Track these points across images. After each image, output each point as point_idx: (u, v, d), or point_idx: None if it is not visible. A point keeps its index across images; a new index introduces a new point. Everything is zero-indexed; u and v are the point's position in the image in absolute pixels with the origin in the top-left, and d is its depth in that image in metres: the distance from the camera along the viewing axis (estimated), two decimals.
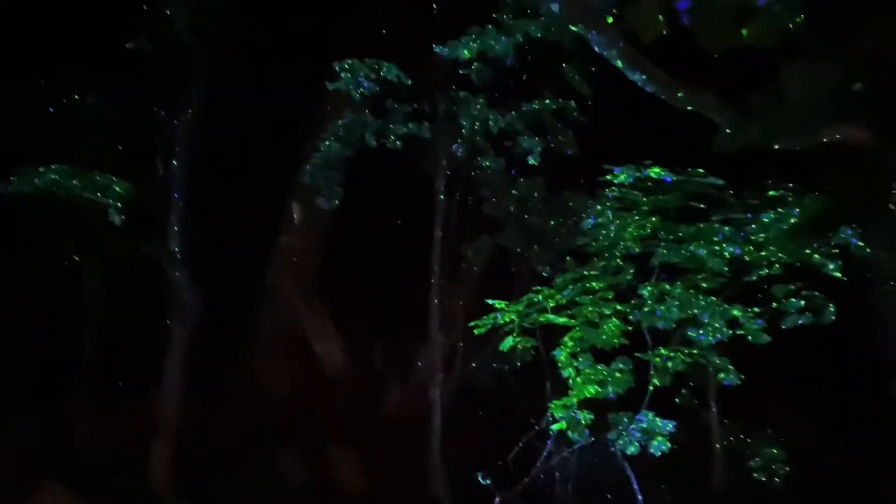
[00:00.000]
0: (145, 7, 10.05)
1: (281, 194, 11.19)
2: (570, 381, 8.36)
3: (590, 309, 8.38)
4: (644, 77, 8.85)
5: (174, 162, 9.94)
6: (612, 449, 8.65)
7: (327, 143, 9.91)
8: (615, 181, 8.39)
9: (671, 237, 8.53)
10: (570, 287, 8.56)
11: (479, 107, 10.13)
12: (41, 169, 8.10)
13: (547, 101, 10.29)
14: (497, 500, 9.12)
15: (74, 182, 8.13)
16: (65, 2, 9.45)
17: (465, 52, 9.33)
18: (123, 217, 8.51)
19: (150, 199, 9.55)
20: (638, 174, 8.23)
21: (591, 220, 8.77)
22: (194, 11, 9.97)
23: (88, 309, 10.59)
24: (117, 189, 8.28)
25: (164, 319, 10.35)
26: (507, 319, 8.64)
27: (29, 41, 9.15)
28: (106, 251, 10.03)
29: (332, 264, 11.35)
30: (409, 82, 9.88)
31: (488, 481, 9.15)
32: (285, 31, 10.98)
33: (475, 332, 8.92)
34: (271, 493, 10.34)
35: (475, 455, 10.42)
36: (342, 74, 9.66)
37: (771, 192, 8.75)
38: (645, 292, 8.43)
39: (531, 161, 10.14)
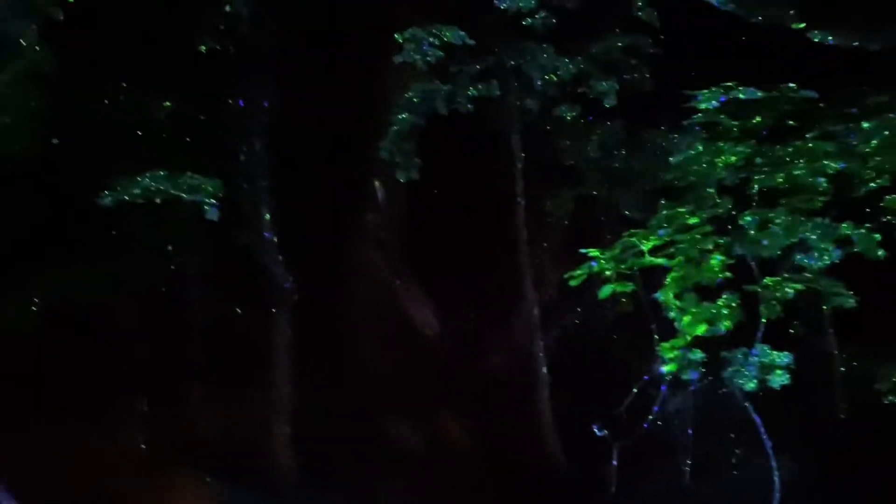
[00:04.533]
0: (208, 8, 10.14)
1: (359, 171, 11.24)
2: (677, 322, 8.13)
3: (689, 246, 8.10)
4: None
5: (256, 150, 10.12)
6: (729, 387, 8.40)
7: (400, 116, 9.82)
8: (700, 107, 8.03)
9: (767, 160, 8.14)
10: (666, 226, 8.30)
11: (546, 56, 9.86)
12: (138, 178, 8.35)
13: (617, 40, 9.96)
14: (615, 450, 9.02)
15: (169, 185, 8.35)
16: (128, 13, 9.63)
17: (531, 1, 9.06)
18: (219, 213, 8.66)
19: (237, 191, 9.75)
20: (724, 97, 7.85)
21: (679, 155, 8.45)
22: (254, 4, 10.04)
23: (195, 304, 11.00)
24: (209, 188, 8.45)
25: (263, 305, 10.64)
26: (603, 267, 8.44)
27: (96, 54, 9.36)
28: (203, 247, 10.34)
29: (417, 233, 11.38)
30: (473, 43, 9.65)
31: (604, 432, 9.05)
32: (341, 10, 10.94)
33: (570, 283, 8.76)
34: (387, 463, 10.57)
35: (584, 407, 10.35)
36: (406, 45, 9.51)
37: (870, 100, 8.25)
38: (745, 221, 8.10)
39: (607, 104, 9.83)
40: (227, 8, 9.97)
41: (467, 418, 11.26)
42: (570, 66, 9.81)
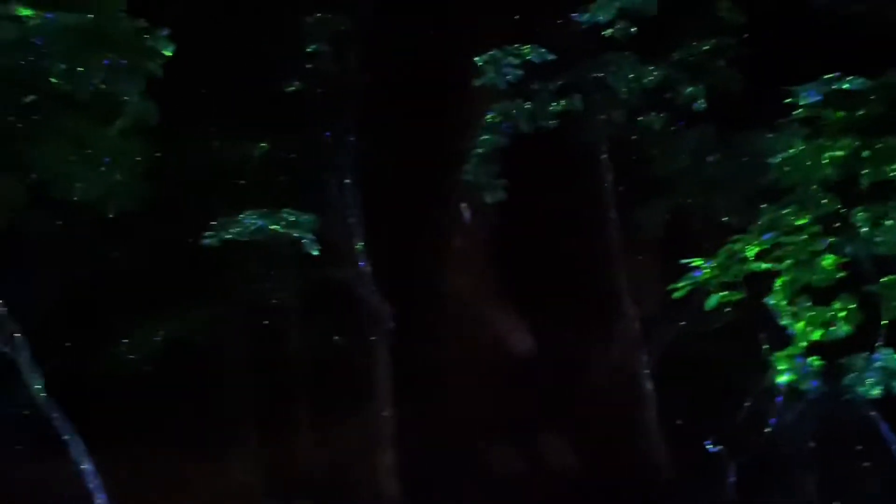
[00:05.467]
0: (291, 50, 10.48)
1: (446, 196, 11.31)
2: (791, 329, 7.73)
3: (798, 248, 7.71)
4: None
5: (345, 184, 10.35)
6: (851, 396, 7.91)
7: (483, 138, 9.81)
8: (800, 103, 7.68)
9: (876, 153, 7.70)
10: (771, 230, 7.94)
11: (629, 65, 9.69)
12: (239, 217, 8.64)
13: (701, 43, 9.70)
14: (732, 466, 8.61)
15: (268, 222, 8.60)
16: (219, 60, 10.06)
17: (610, 12, 8.93)
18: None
19: (330, 224, 9.96)
20: (827, 89, 7.48)
21: (779, 154, 8.09)
22: (336, 42, 10.33)
23: (295, 337, 11.27)
24: (306, 223, 8.67)
25: (361, 334, 10.79)
26: (709, 276, 8.12)
27: (191, 102, 9.79)
28: (301, 281, 10.61)
29: (507, 254, 11.32)
30: (554, 58, 9.57)
31: (719, 448, 8.65)
32: (419, 39, 11.11)
33: (674, 296, 8.45)
34: (491, 487, 10.46)
35: (694, 423, 9.98)
36: (486, 68, 9.51)
37: None
38: (857, 219, 7.66)
39: (696, 108, 9.55)
40: (311, 48, 10.29)
41: (570, 439, 11.04)
42: (655, 74, 9.59)
